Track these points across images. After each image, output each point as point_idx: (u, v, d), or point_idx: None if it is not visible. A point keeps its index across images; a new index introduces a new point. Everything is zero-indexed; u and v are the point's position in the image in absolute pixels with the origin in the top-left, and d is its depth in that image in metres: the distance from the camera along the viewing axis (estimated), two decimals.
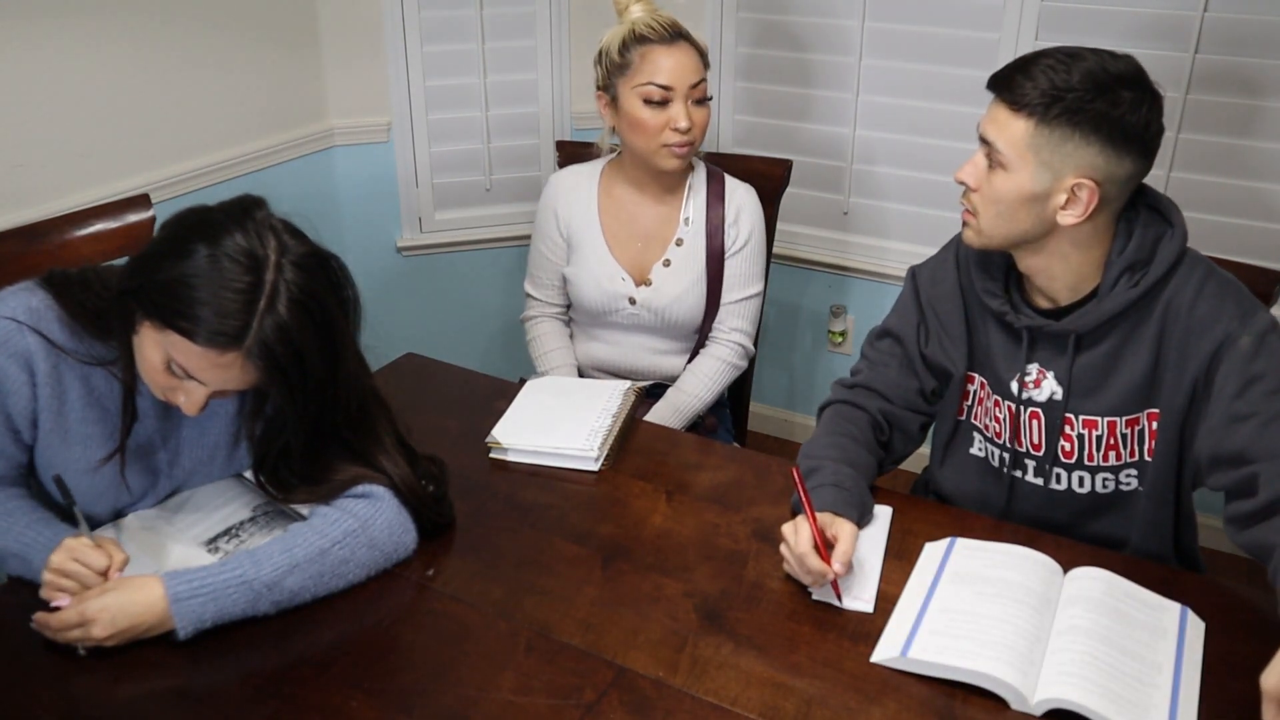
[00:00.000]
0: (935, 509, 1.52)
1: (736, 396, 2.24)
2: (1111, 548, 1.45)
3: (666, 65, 1.86)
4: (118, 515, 1.41)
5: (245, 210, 1.21)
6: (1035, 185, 1.34)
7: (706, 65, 1.92)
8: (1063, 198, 1.34)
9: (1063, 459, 1.48)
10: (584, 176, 2.05)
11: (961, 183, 1.41)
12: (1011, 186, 1.35)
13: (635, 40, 1.88)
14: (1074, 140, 1.31)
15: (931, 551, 1.40)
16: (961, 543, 1.39)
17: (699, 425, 2.03)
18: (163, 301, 1.17)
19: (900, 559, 1.39)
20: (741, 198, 2.00)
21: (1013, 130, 1.33)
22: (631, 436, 1.71)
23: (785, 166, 2.14)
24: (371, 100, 2.69)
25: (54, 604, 1.22)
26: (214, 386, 1.23)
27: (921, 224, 2.67)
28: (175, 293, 1.16)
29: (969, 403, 1.56)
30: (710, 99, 1.92)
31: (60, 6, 2.03)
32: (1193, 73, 2.28)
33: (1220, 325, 1.34)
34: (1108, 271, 1.39)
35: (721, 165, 2.08)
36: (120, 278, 1.23)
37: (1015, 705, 1.16)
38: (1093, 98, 1.30)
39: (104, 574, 1.22)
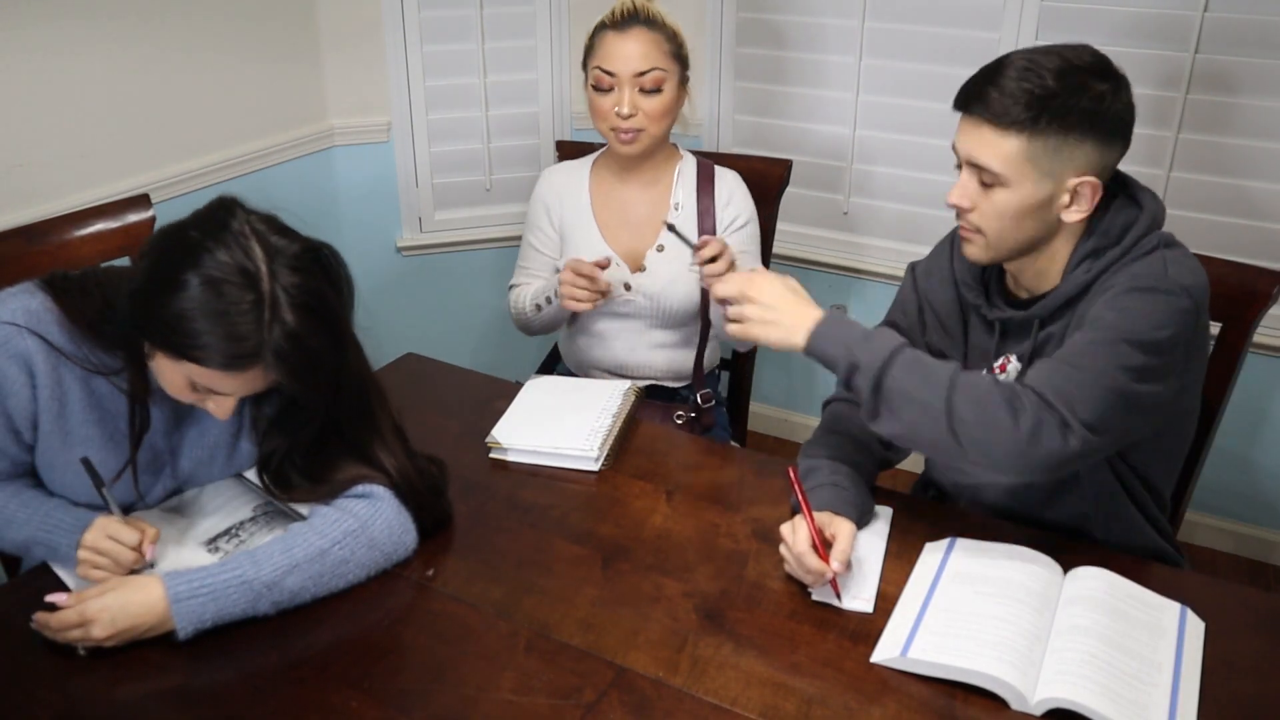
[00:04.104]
0: (935, 509, 1.53)
1: (736, 397, 2.24)
2: (1076, 526, 1.47)
3: (613, 51, 1.88)
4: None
5: (221, 223, 1.19)
6: (1039, 194, 1.34)
7: (677, 58, 1.92)
8: (1066, 198, 1.35)
9: None
10: (575, 170, 2.07)
11: (955, 207, 1.40)
12: (1015, 201, 1.34)
13: (599, 25, 1.92)
14: (1068, 143, 1.31)
15: (931, 551, 1.40)
16: (961, 543, 1.40)
17: (695, 421, 2.02)
18: (171, 338, 1.17)
19: (900, 559, 1.39)
20: (730, 182, 2.02)
21: (1004, 148, 1.32)
22: (631, 436, 1.71)
23: (785, 166, 2.14)
24: (371, 100, 2.70)
25: (49, 598, 1.22)
26: (241, 394, 1.25)
27: (921, 224, 2.67)
28: (180, 328, 1.16)
29: None
30: (659, 91, 1.89)
31: (60, 7, 2.03)
32: (1193, 73, 2.28)
33: (1118, 285, 1.33)
34: (1072, 258, 1.40)
35: (722, 165, 2.08)
36: (122, 316, 1.23)
37: (1015, 705, 1.16)
38: (1075, 96, 1.30)
39: (138, 548, 1.26)
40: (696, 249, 1.76)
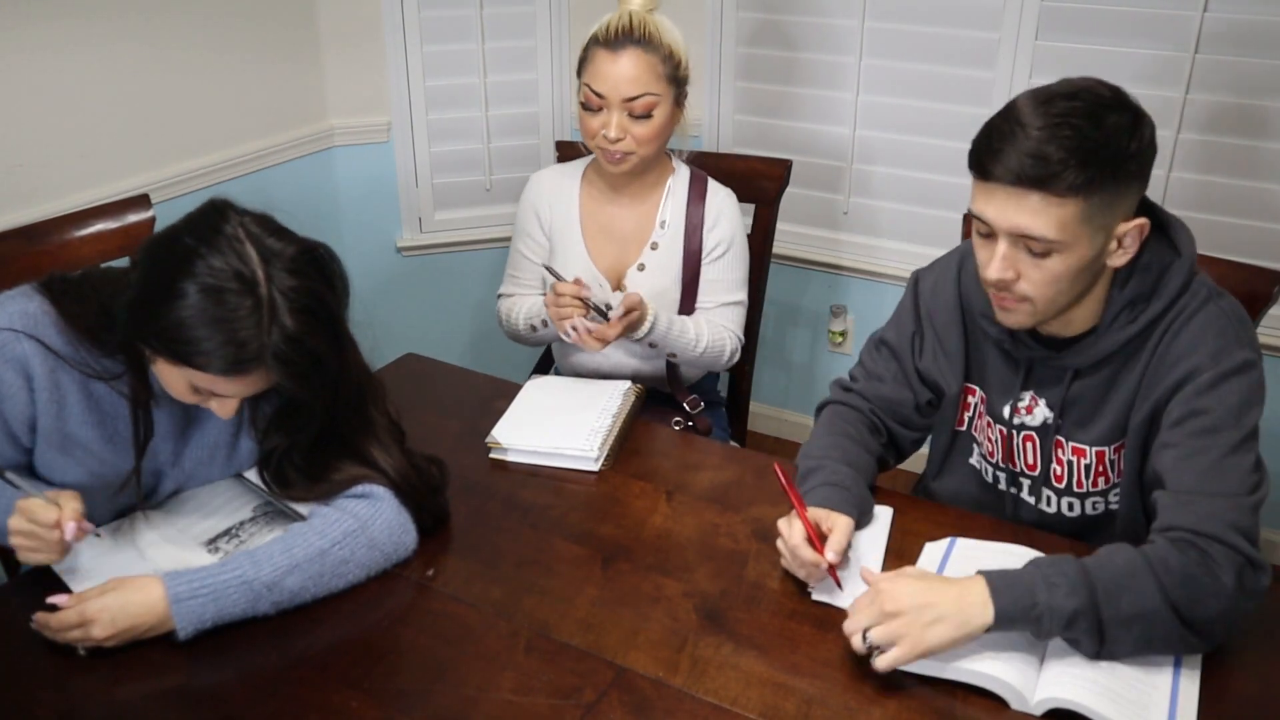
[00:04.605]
0: (935, 509, 1.52)
1: (735, 396, 2.24)
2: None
3: (603, 72, 1.80)
4: (119, 515, 1.41)
5: (213, 227, 1.19)
6: (1093, 249, 1.26)
7: (672, 80, 1.83)
8: (1114, 245, 1.28)
9: (1054, 482, 1.46)
10: (565, 176, 2.01)
11: (1000, 281, 1.29)
12: (1072, 263, 1.26)
13: (593, 39, 1.84)
14: (1120, 193, 1.24)
15: (931, 551, 1.40)
16: (962, 542, 1.40)
17: (692, 429, 2.01)
18: (171, 345, 1.17)
19: (900, 559, 1.39)
20: (721, 201, 1.95)
21: (1061, 215, 1.22)
22: (631, 436, 1.71)
23: (785, 166, 2.13)
24: (371, 100, 2.70)
25: (50, 600, 1.22)
26: (243, 395, 1.25)
27: (921, 224, 2.67)
28: (180, 336, 1.16)
29: (969, 414, 1.54)
30: (649, 117, 1.81)
31: (60, 7, 2.03)
32: (1193, 73, 2.28)
33: (1192, 359, 1.29)
34: (1109, 307, 1.34)
35: (721, 165, 2.07)
36: (121, 326, 1.23)
37: (1015, 705, 1.16)
38: (1120, 140, 1.22)
39: (56, 525, 1.21)
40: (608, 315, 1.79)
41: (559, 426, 1.67)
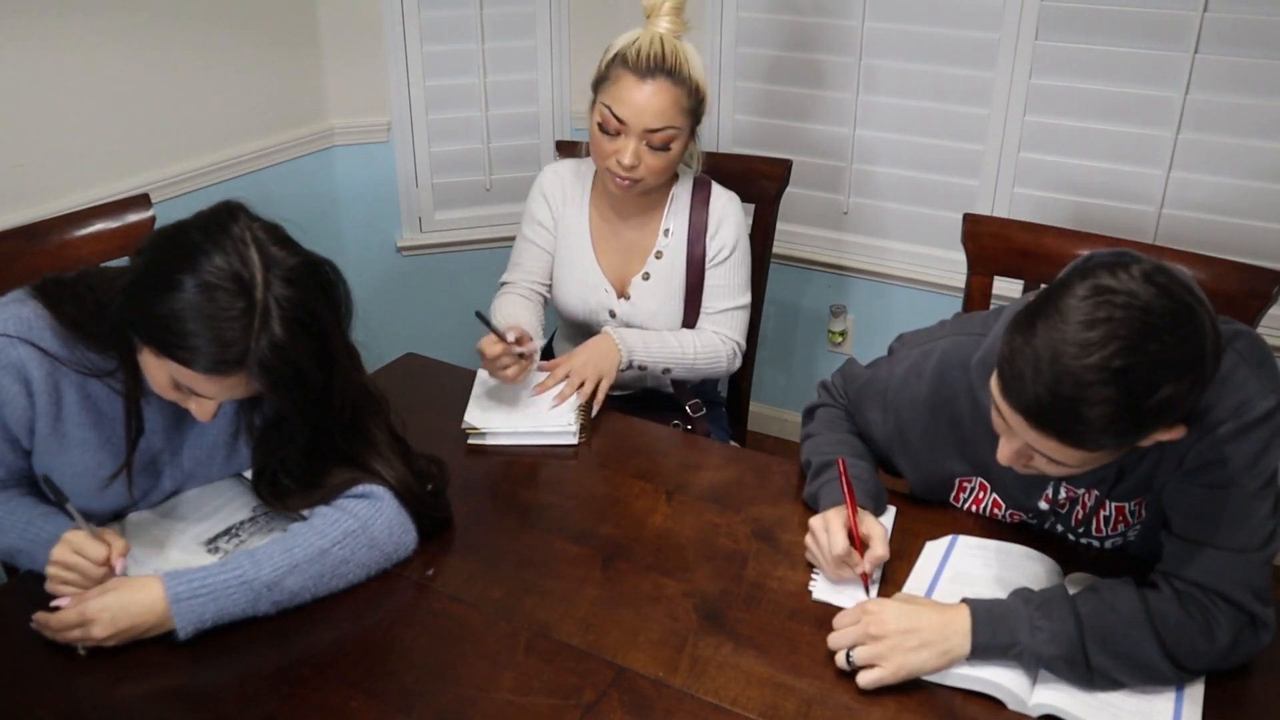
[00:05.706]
0: (936, 509, 1.52)
1: (735, 396, 2.24)
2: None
3: (629, 99, 1.75)
4: (118, 517, 1.41)
5: (222, 226, 1.19)
6: (1120, 453, 1.20)
7: (694, 114, 1.82)
8: (1154, 440, 1.17)
9: (1074, 525, 1.43)
10: (579, 175, 2.00)
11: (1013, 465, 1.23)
12: (1094, 467, 1.20)
13: (620, 59, 1.79)
14: (1160, 432, 1.14)
15: (932, 550, 1.40)
16: (963, 541, 1.40)
17: (691, 429, 2.01)
18: (159, 335, 1.17)
19: (900, 559, 1.39)
20: (724, 205, 1.93)
21: (1084, 456, 1.14)
22: (631, 436, 1.71)
23: (785, 166, 2.13)
24: (371, 100, 2.70)
25: (54, 604, 1.22)
26: (222, 399, 1.24)
27: (921, 224, 2.67)
28: (168, 327, 1.16)
29: (965, 495, 1.49)
30: (667, 149, 1.79)
31: (60, 6, 2.03)
32: (1193, 73, 2.28)
33: (1212, 414, 1.21)
34: None
35: (721, 165, 2.07)
36: (114, 310, 1.22)
37: (1013, 706, 1.17)
38: (1181, 405, 1.09)
39: (105, 562, 1.24)
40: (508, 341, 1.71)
41: (531, 406, 1.70)
